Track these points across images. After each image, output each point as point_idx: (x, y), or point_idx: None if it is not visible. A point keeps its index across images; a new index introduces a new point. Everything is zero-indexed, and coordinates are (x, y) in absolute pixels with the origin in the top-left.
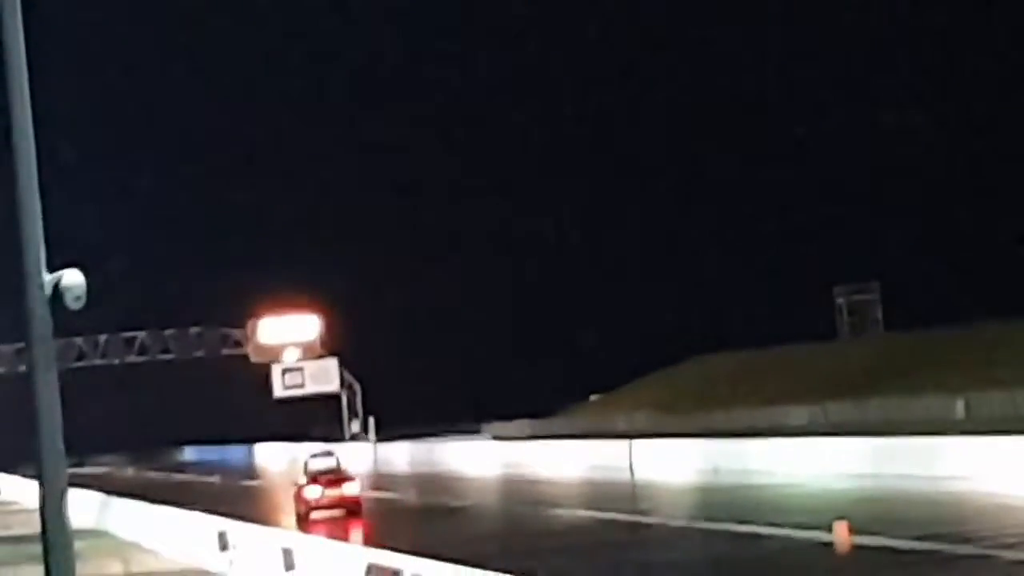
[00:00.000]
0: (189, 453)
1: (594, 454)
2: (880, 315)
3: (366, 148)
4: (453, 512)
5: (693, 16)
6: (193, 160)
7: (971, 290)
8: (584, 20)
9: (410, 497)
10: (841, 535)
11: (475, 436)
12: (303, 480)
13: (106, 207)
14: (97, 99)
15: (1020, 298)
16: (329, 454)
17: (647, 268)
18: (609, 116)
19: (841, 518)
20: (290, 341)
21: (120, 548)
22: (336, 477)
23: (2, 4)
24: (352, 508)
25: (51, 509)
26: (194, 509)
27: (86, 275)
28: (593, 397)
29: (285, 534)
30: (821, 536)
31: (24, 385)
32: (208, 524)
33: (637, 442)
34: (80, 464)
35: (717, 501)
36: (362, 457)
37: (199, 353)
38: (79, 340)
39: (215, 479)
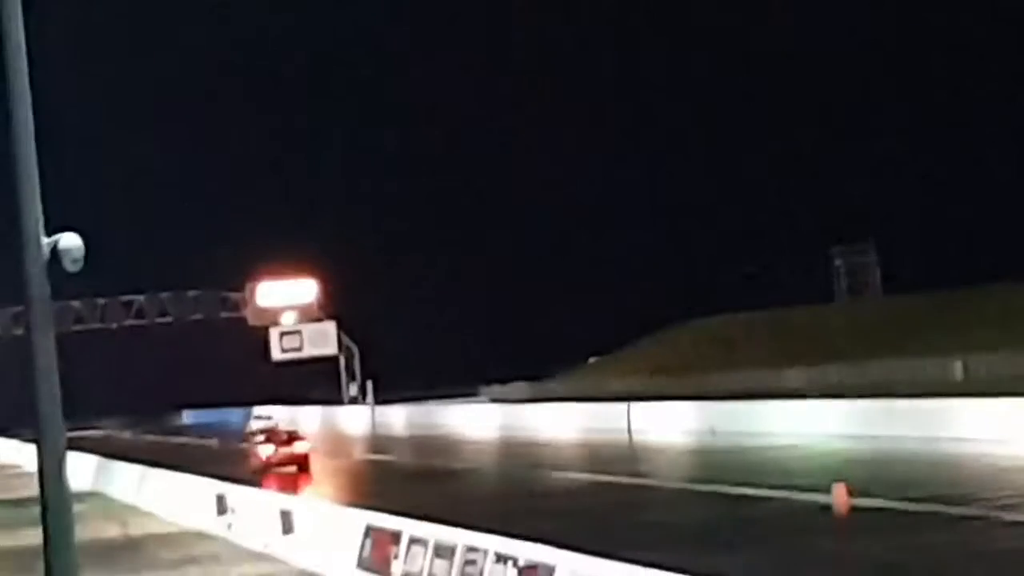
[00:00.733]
0: (187, 416)
1: (592, 416)
2: (878, 277)
3: (366, 114)
4: (451, 474)
5: None
6: (192, 124)
7: (970, 252)
8: None
9: (408, 460)
10: (839, 497)
11: (473, 399)
12: (253, 438)
13: (104, 170)
14: (95, 62)
15: (1018, 261)
16: (269, 417)
17: (644, 231)
18: (604, 83)
19: (839, 480)
20: (288, 304)
21: (119, 511)
22: (288, 436)
23: None
24: (302, 464)
25: (50, 472)
26: (192, 472)
27: (84, 239)
28: (591, 360)
29: (284, 497)
30: (819, 498)
31: (22, 348)
32: (206, 487)
33: (635, 404)
34: (78, 427)
35: (715, 463)
36: (360, 420)
37: (197, 316)
38: (77, 304)
39: (213, 442)
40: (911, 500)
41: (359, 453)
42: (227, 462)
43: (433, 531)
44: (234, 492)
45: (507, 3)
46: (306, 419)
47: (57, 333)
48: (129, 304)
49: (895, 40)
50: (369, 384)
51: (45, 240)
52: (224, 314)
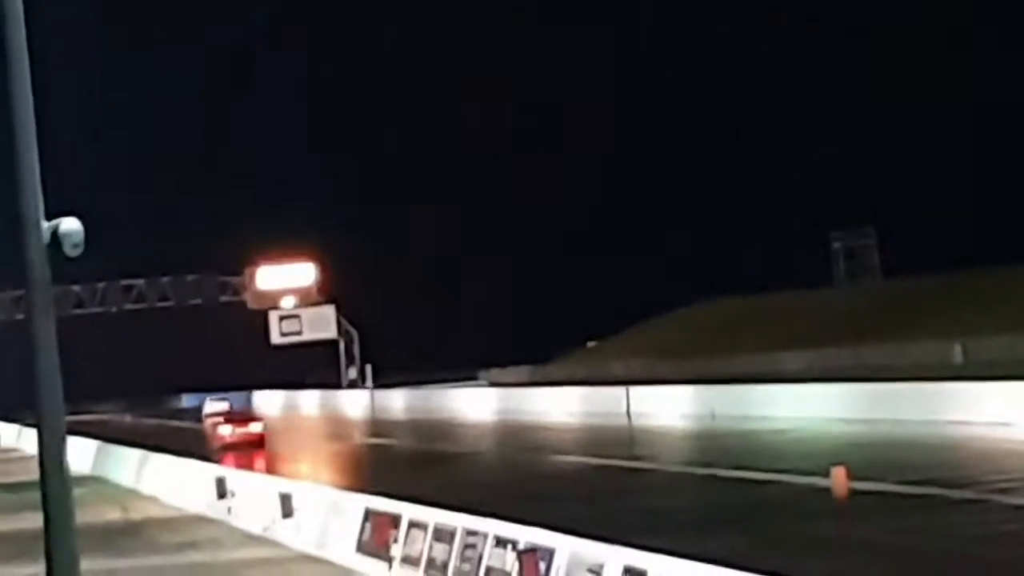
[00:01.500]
0: (187, 400)
1: (591, 400)
2: (877, 260)
3: (366, 97)
4: (451, 458)
5: None
6: (192, 108)
7: (970, 235)
8: None
9: (407, 443)
10: (839, 480)
11: (472, 383)
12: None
13: (105, 155)
14: (97, 44)
15: (1017, 243)
16: (223, 400)
17: (643, 215)
18: (600, 64)
19: (839, 463)
20: (287, 288)
21: (119, 495)
22: (244, 418)
23: None
24: (257, 443)
25: (50, 456)
26: (192, 456)
27: (84, 223)
28: (590, 344)
29: (283, 481)
30: (819, 481)
31: (22, 332)
32: (206, 471)
33: (634, 388)
34: (79, 412)
35: (714, 447)
36: (359, 404)
37: (197, 301)
38: (77, 288)
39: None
40: (911, 483)
41: (358, 437)
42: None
43: (432, 515)
44: (234, 476)
45: None
46: (305, 403)
47: (57, 317)
48: (129, 288)
49: (896, 21)
50: (368, 368)
51: (45, 224)
52: (224, 298)
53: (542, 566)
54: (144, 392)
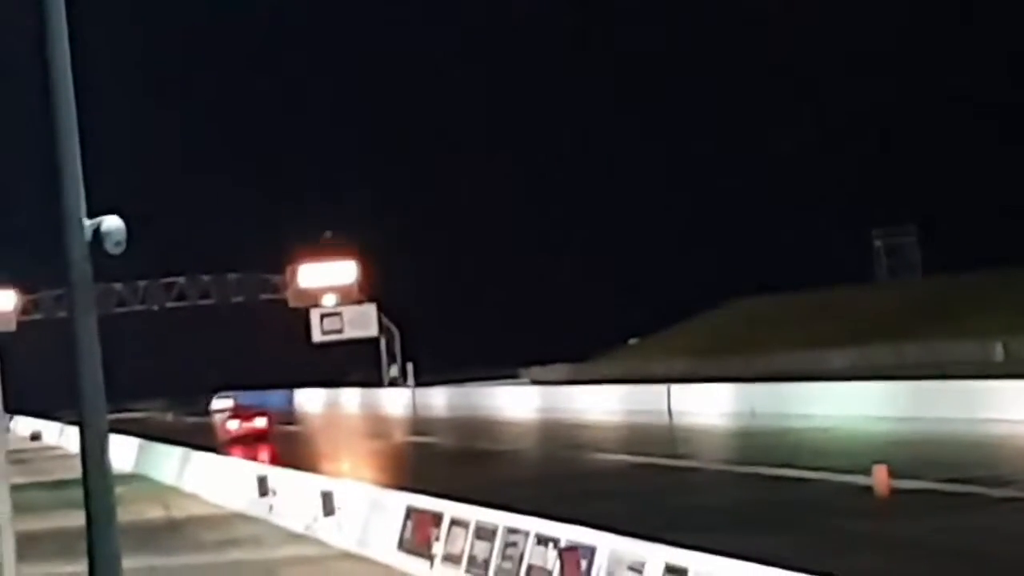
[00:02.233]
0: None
1: (632, 398)
2: (919, 257)
3: (408, 95)
4: (492, 456)
5: None
6: (235, 106)
7: (1012, 233)
8: None
9: (449, 441)
10: (880, 479)
11: (513, 381)
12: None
13: (146, 153)
14: (137, 42)
15: None
16: (228, 398)
17: (685, 212)
18: (654, 60)
19: (880, 462)
20: (328, 286)
21: (161, 493)
22: (250, 413)
23: None
24: (261, 436)
25: (92, 454)
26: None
27: (126, 221)
28: (631, 341)
29: (325, 479)
30: (860, 480)
31: (64, 331)
32: (248, 469)
33: (675, 386)
34: (120, 410)
35: (755, 445)
36: (400, 402)
37: (238, 299)
38: (119, 286)
39: None
40: (952, 481)
41: (399, 435)
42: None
43: (474, 513)
44: (275, 474)
45: None
46: (346, 401)
47: (99, 315)
48: (170, 286)
49: (938, 23)
50: (409, 366)
51: (87, 223)
52: (265, 296)
53: (583, 564)
54: (185, 390)
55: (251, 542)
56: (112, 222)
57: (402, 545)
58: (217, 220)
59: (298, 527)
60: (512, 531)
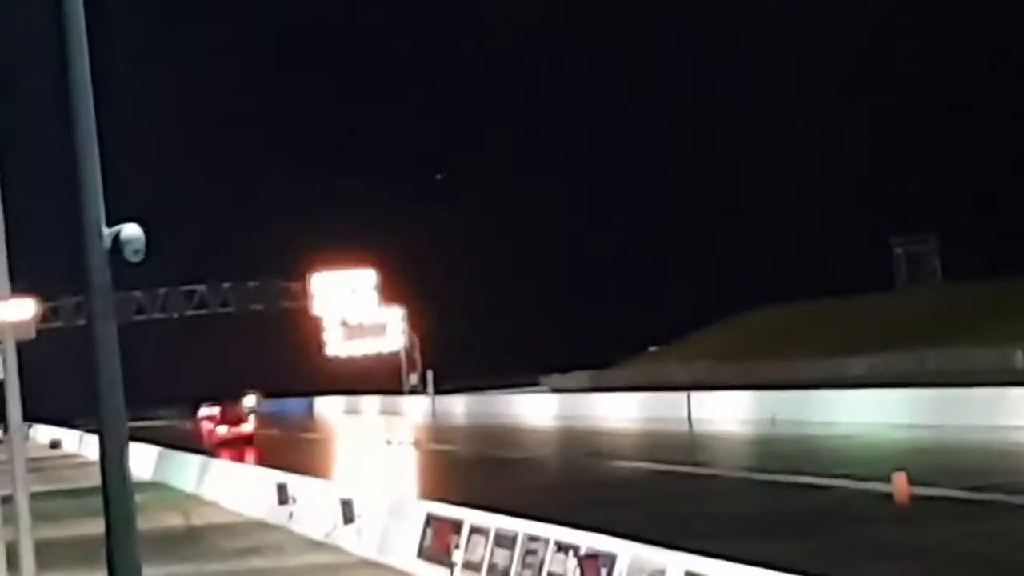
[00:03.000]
0: (249, 405)
1: (652, 406)
2: (938, 265)
3: (429, 101)
4: (512, 464)
5: None
6: (255, 114)
7: None
8: None
9: (468, 449)
10: (900, 486)
11: (533, 388)
12: (205, 422)
13: (166, 161)
14: (158, 51)
15: None
16: (214, 404)
17: (705, 221)
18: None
19: (900, 469)
20: (348, 294)
21: (180, 500)
22: (236, 419)
23: None
24: (247, 440)
25: (112, 462)
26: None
27: (145, 229)
28: (651, 349)
29: (345, 486)
30: (880, 487)
31: (84, 338)
32: (268, 477)
33: (695, 393)
34: (140, 417)
35: (775, 452)
36: (421, 410)
37: (258, 306)
38: (138, 294)
39: (275, 432)
40: (972, 489)
41: (419, 443)
42: (287, 451)
43: (494, 520)
44: (295, 482)
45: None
46: (366, 408)
47: (119, 323)
48: (190, 294)
49: (951, 35)
50: (429, 374)
51: (107, 230)
52: (285, 304)
53: (603, 572)
54: (205, 398)
55: (271, 550)
56: (131, 230)
57: (422, 553)
58: (237, 227)
59: (318, 535)
60: (532, 539)
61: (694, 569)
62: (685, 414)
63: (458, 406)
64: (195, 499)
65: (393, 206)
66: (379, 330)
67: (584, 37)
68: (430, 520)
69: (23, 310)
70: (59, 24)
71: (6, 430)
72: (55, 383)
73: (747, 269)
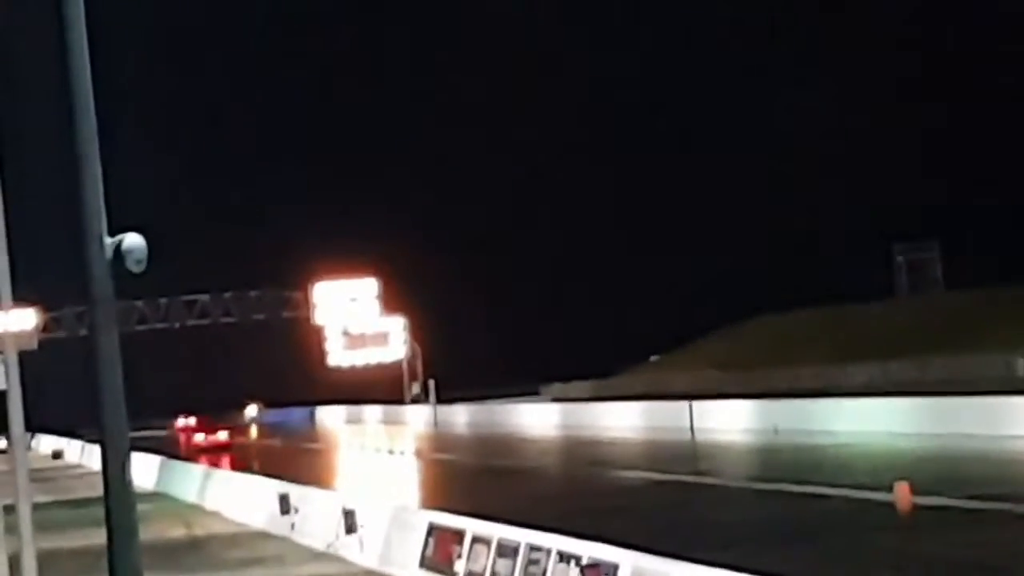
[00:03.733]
0: (251, 415)
1: (654, 415)
2: (940, 273)
3: (429, 114)
4: (514, 474)
5: None
6: (256, 124)
7: None
8: None
9: (470, 459)
10: (902, 495)
11: (535, 398)
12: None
13: (168, 171)
14: (154, 63)
15: None
16: (189, 416)
17: (706, 229)
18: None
19: (902, 478)
20: (350, 304)
21: (182, 511)
22: (213, 427)
23: None
24: (224, 447)
25: (114, 472)
26: (255, 472)
27: (147, 239)
28: (653, 358)
29: (347, 496)
30: (882, 496)
31: (86, 348)
32: (269, 487)
33: (697, 403)
34: (142, 428)
35: (777, 461)
36: (423, 419)
37: (260, 316)
38: (140, 303)
39: (276, 442)
40: (974, 498)
41: (421, 452)
42: (289, 461)
43: (496, 530)
44: (297, 492)
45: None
46: (368, 418)
47: (121, 333)
48: (192, 304)
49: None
50: (431, 383)
51: (108, 240)
52: (287, 314)
53: None
54: (208, 407)
55: (273, 560)
56: (133, 240)
57: (424, 563)
58: (239, 237)
59: (320, 545)
60: (534, 548)
61: None
62: (687, 423)
63: (460, 415)
64: (197, 509)
65: (395, 218)
66: (381, 340)
67: (585, 44)
68: (432, 530)
69: (25, 320)
70: (61, 34)
71: (8, 440)
72: (57, 393)
73: (748, 277)
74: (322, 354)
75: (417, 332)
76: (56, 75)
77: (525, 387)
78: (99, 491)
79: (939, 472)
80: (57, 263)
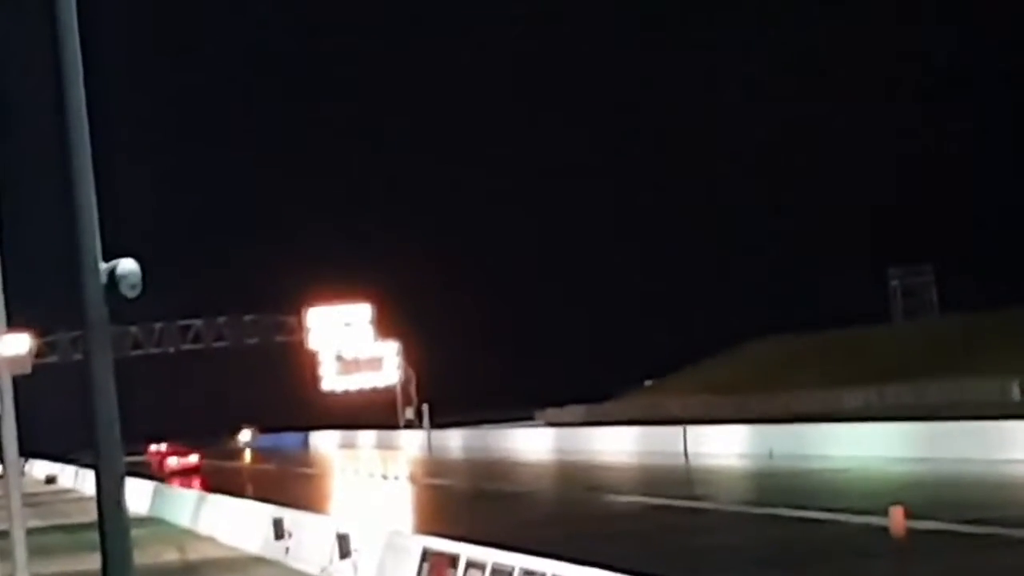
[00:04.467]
0: (244, 440)
1: (648, 439)
2: (935, 297)
3: (417, 141)
4: (508, 498)
5: None
6: (245, 149)
7: None
8: None
9: (465, 484)
10: (896, 520)
11: (529, 422)
12: (154, 456)
13: (160, 196)
14: (149, 87)
15: None
16: (161, 442)
17: (699, 254)
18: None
19: (897, 503)
20: (343, 329)
21: (176, 535)
22: (185, 451)
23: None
24: (194, 470)
25: (108, 497)
26: (249, 497)
27: (141, 264)
28: (647, 382)
29: (341, 521)
30: (877, 521)
31: (80, 373)
32: (264, 511)
33: (691, 427)
34: (137, 452)
35: (772, 486)
36: (416, 444)
37: (253, 341)
38: (134, 329)
39: (270, 467)
40: (969, 522)
41: (415, 477)
42: (283, 485)
43: (490, 555)
44: (291, 516)
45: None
46: (362, 443)
47: (115, 358)
48: (186, 329)
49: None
50: (425, 408)
51: (102, 265)
52: (280, 338)
53: None
54: (201, 432)
55: None
56: (127, 265)
57: None
58: (232, 262)
59: (314, 570)
60: (528, 573)
61: None
62: (681, 448)
63: (454, 440)
64: (191, 534)
65: (389, 243)
66: (375, 364)
67: (587, 53)
68: (426, 555)
69: (19, 345)
70: (55, 59)
71: (3, 465)
72: (51, 418)
73: (743, 301)
74: (316, 379)
75: (411, 357)
76: (49, 102)
77: (519, 412)
78: (93, 516)
79: (934, 496)
80: (51, 288)
